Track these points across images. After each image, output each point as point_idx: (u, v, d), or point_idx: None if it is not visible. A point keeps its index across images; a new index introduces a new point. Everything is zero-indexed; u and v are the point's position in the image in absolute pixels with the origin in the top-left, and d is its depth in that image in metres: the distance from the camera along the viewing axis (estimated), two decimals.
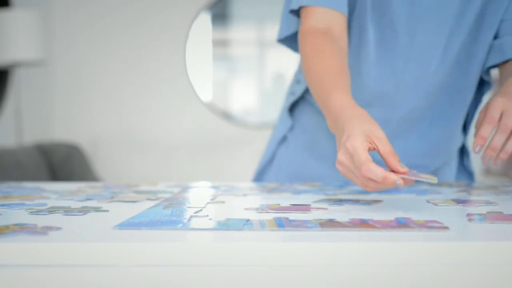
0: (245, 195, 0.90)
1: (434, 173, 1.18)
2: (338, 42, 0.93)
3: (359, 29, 1.01)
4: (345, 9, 0.97)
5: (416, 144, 1.09)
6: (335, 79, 0.85)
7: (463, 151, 1.21)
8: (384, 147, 0.72)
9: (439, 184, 1.06)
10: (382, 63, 1.02)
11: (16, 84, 3.13)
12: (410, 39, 1.00)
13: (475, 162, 1.25)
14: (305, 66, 0.93)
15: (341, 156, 0.73)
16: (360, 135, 0.72)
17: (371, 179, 0.70)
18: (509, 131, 0.80)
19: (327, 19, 0.95)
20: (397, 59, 1.02)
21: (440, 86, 1.04)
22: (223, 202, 0.80)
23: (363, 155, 0.70)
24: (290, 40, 1.07)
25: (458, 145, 1.16)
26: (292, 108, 1.18)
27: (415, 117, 1.06)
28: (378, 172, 0.69)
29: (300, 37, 0.97)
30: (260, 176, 1.21)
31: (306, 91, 1.14)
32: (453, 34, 1.01)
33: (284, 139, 1.18)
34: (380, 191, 0.91)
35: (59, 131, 3.66)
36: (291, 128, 1.18)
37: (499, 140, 0.80)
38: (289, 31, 1.04)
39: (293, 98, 1.16)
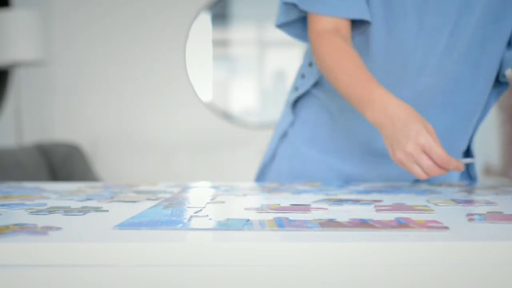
0: (245, 195, 0.90)
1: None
2: (348, 42, 1.00)
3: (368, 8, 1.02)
4: (360, 14, 1.00)
5: None
6: (367, 74, 0.94)
7: (468, 156, 1.17)
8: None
9: (439, 184, 1.06)
10: (391, 42, 1.02)
11: (16, 84, 3.13)
12: (419, 18, 1.01)
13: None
14: (325, 65, 0.99)
15: (410, 148, 0.83)
16: (425, 131, 0.83)
17: (438, 167, 0.83)
18: None
19: (335, 21, 1.01)
20: (406, 38, 1.02)
21: (449, 72, 1.04)
22: (223, 202, 0.80)
23: (440, 149, 0.82)
24: (288, 26, 1.10)
25: (464, 144, 1.13)
26: (295, 103, 1.18)
27: (423, 103, 1.04)
28: (453, 162, 0.83)
29: (313, 38, 1.01)
30: (262, 173, 1.21)
31: (313, 85, 1.14)
32: (461, 17, 1.01)
33: (285, 134, 1.18)
34: (380, 191, 0.92)
35: (59, 131, 3.66)
36: (292, 124, 1.18)
37: None
38: (286, 18, 1.08)
39: (297, 93, 1.16)
